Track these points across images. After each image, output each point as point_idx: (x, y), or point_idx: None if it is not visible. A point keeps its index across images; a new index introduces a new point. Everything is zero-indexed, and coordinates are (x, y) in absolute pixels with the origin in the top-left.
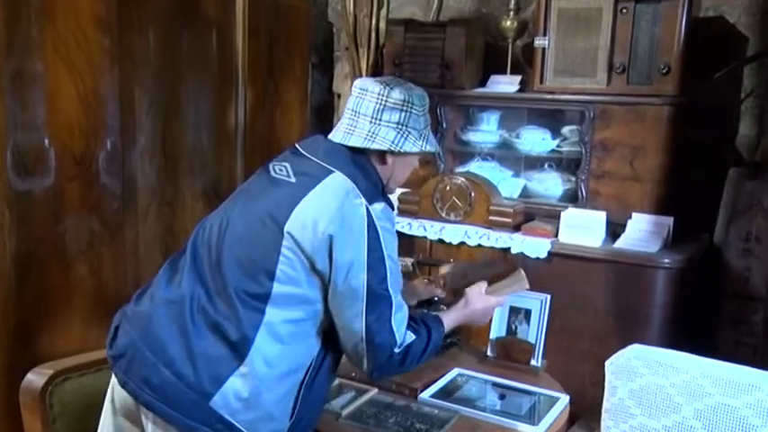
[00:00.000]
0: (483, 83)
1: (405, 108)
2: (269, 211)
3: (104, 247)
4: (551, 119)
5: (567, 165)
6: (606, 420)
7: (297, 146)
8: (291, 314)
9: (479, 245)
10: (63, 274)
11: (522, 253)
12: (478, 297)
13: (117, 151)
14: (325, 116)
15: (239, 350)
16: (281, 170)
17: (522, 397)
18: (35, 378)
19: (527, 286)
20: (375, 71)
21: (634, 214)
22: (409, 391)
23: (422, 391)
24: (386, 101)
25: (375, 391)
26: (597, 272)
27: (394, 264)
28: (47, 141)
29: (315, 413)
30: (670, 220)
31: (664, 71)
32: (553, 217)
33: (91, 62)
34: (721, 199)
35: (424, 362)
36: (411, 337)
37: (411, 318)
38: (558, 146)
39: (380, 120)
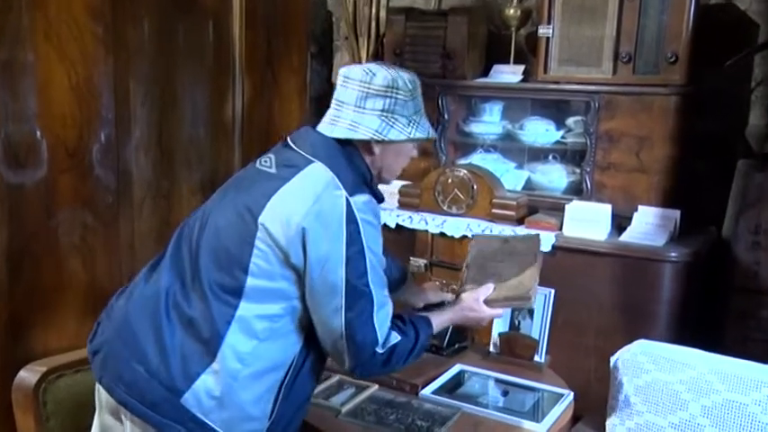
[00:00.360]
0: (485, 73)
1: (389, 94)
2: (247, 204)
3: (98, 241)
4: (555, 109)
5: (571, 156)
6: (612, 417)
7: (287, 138)
8: (266, 309)
9: None
10: (56, 269)
11: None
12: (474, 305)
13: (111, 143)
14: (324, 107)
15: (211, 346)
16: (265, 162)
17: (526, 393)
18: (28, 375)
19: (531, 306)
20: (375, 61)
21: (640, 207)
22: (410, 388)
23: (423, 387)
24: (368, 88)
25: (375, 387)
26: (602, 266)
27: (376, 258)
28: (39, 133)
29: (297, 412)
30: (677, 213)
31: (671, 60)
32: (557, 210)
33: (84, 52)
34: (730, 191)
35: (411, 363)
36: (396, 337)
37: (399, 317)
38: (562, 137)
39: (364, 108)
